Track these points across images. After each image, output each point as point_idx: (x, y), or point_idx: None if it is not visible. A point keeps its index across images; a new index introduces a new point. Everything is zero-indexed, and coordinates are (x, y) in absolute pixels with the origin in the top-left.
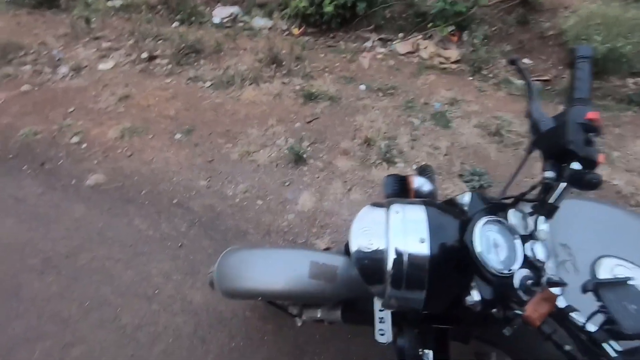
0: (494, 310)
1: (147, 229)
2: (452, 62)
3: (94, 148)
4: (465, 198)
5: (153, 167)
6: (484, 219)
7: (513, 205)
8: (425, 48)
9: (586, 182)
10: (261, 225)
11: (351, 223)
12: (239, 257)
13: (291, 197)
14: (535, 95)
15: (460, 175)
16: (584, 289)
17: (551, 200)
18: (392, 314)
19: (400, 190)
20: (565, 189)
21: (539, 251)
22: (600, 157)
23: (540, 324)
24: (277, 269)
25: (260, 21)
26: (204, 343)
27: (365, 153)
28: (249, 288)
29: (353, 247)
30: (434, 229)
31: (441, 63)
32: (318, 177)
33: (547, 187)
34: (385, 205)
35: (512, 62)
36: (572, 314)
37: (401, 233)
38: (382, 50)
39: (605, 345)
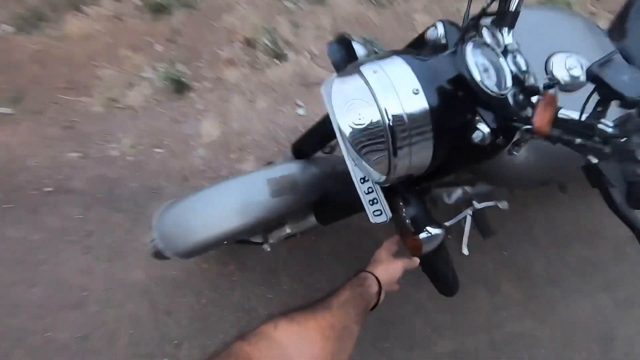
0: (499, 139)
1: (30, 234)
2: None
3: None
4: (439, 29)
5: None
6: (470, 44)
7: (476, 25)
8: None
9: None
10: (172, 175)
11: (324, 104)
12: (181, 209)
13: (191, 131)
14: None
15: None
16: (590, 75)
17: (512, 7)
18: (382, 189)
19: (348, 55)
20: None
21: (522, 63)
22: None
23: (550, 134)
24: (233, 203)
25: None
26: (171, 314)
27: (251, 55)
28: (209, 236)
29: (345, 130)
30: (422, 75)
31: None
32: (212, 99)
33: None
34: (355, 71)
35: None
36: (563, 112)
37: (390, 92)
38: None
39: (599, 125)
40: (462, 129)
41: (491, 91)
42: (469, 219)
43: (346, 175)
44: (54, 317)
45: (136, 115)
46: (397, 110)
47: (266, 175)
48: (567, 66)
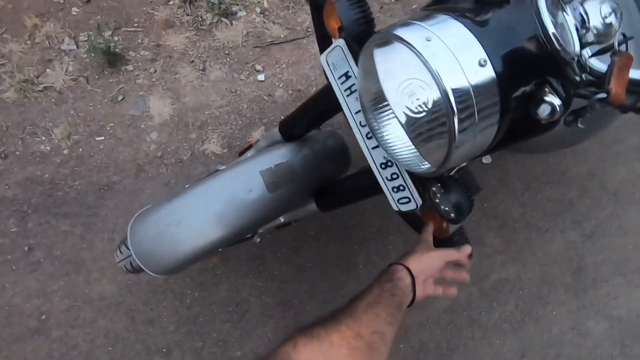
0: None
1: None
2: None
3: None
4: None
5: None
6: None
7: None
8: None
9: None
10: (123, 166)
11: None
12: (160, 218)
13: (137, 112)
14: None
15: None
16: None
17: None
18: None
19: (364, 13)
20: None
21: (583, 12)
22: None
23: (627, 102)
24: (223, 205)
25: None
26: (153, 322)
27: (193, 14)
28: (199, 248)
29: (400, 118)
30: (487, 41)
31: None
32: (155, 71)
33: None
34: (389, 37)
35: None
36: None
37: (454, 67)
38: None
39: None
40: (527, 103)
41: (568, 52)
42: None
43: (343, 152)
44: (10, 350)
45: (63, 99)
46: (464, 90)
47: (258, 166)
48: (603, 14)
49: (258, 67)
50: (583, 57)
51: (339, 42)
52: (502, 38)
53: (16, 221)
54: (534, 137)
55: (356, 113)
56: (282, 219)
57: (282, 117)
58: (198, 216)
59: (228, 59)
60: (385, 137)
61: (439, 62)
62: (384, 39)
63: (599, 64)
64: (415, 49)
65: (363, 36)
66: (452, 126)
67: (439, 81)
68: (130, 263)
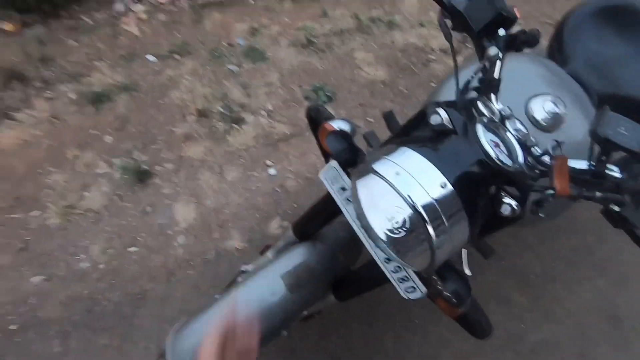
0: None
1: None
2: None
3: None
4: (443, 115)
5: None
6: (480, 125)
7: (471, 100)
8: None
9: (529, 39)
10: (155, 272)
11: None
12: (196, 330)
13: (165, 219)
14: None
15: (307, 98)
16: (597, 138)
17: (496, 75)
18: None
19: (348, 145)
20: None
21: (521, 127)
22: (517, 11)
23: (573, 194)
24: (257, 309)
25: None
26: None
27: (208, 126)
28: None
29: (382, 237)
30: (443, 166)
31: None
32: (178, 181)
33: (492, 64)
34: (372, 172)
35: None
36: (571, 162)
37: (420, 193)
38: (142, 8)
39: (607, 172)
40: (490, 205)
41: (509, 167)
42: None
43: (354, 243)
44: None
45: (100, 217)
46: (430, 205)
47: (278, 270)
48: (546, 109)
49: (269, 162)
50: (527, 160)
51: (332, 164)
52: (455, 162)
53: (59, 341)
54: (507, 227)
55: (356, 219)
56: (305, 312)
57: (294, 221)
58: None
59: (242, 160)
60: (380, 235)
61: (409, 189)
62: (364, 172)
63: (547, 159)
64: (389, 181)
65: (351, 162)
66: (428, 234)
67: (411, 203)
68: None
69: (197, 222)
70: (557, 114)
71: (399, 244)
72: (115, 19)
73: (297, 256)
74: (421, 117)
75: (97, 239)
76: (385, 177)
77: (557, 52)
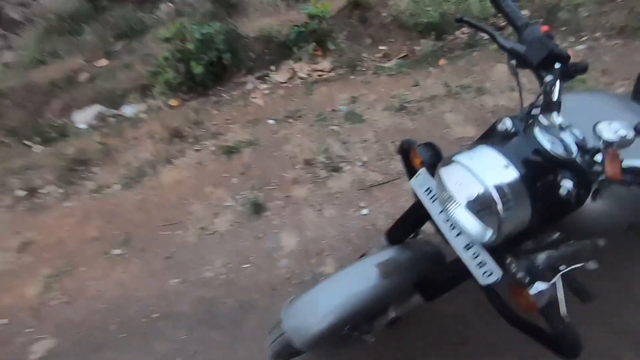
0: (581, 191)
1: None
2: (329, 72)
3: (19, 316)
4: (508, 123)
5: (107, 297)
6: (537, 127)
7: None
8: (300, 70)
9: (579, 69)
10: (262, 286)
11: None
12: (304, 301)
13: (272, 244)
14: (495, 35)
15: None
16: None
17: (555, 98)
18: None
19: (434, 152)
20: (561, 84)
21: (577, 132)
22: (571, 51)
23: (624, 179)
24: (351, 289)
25: (131, 109)
26: None
27: (312, 173)
28: (334, 322)
29: (462, 203)
30: (507, 154)
31: (320, 75)
32: (285, 215)
33: (550, 89)
34: (453, 162)
35: (460, 20)
36: (627, 162)
37: (488, 171)
38: (265, 86)
39: None
40: (551, 188)
41: (560, 156)
42: (560, 284)
43: (438, 254)
44: None
45: (223, 239)
46: (497, 182)
47: (373, 261)
48: (613, 129)
49: (362, 204)
50: (584, 156)
51: (421, 171)
52: (517, 152)
53: (186, 331)
54: (570, 213)
55: (440, 213)
56: (392, 314)
57: (387, 229)
58: (331, 298)
59: (339, 200)
60: (459, 222)
61: (478, 168)
62: (447, 162)
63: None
64: (465, 165)
65: (435, 164)
66: (496, 207)
67: (482, 181)
68: (278, 344)
69: (298, 248)
70: (624, 137)
71: (475, 206)
72: (246, 94)
73: (390, 252)
74: (491, 129)
75: (220, 255)
76: (463, 162)
77: (638, 91)
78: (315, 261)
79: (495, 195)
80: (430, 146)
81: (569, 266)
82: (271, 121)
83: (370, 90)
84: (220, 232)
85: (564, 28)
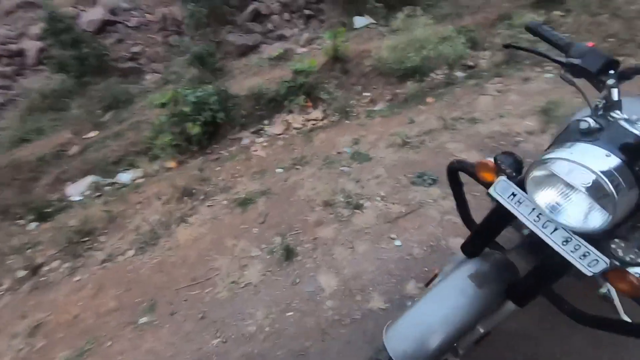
0: None
1: None
2: (322, 120)
3: None
4: (591, 122)
5: None
6: (622, 121)
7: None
8: (294, 121)
9: (636, 71)
10: (311, 332)
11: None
12: (406, 324)
13: (311, 288)
14: (547, 53)
15: (413, 183)
16: None
17: (616, 98)
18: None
19: (516, 160)
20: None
21: None
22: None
23: None
24: (450, 306)
25: (127, 175)
26: None
27: (334, 213)
28: (441, 342)
29: (581, 189)
30: (603, 145)
31: (314, 124)
32: (317, 257)
33: (611, 91)
34: (551, 159)
35: (508, 46)
36: None
37: (593, 160)
38: (262, 139)
39: None
40: None
41: None
42: None
43: (511, 263)
44: None
45: (258, 290)
46: (603, 168)
47: (463, 274)
48: None
49: (393, 235)
50: None
51: (500, 179)
52: (612, 142)
53: None
54: None
55: (529, 214)
56: (480, 330)
57: (462, 243)
58: (438, 316)
59: (368, 235)
60: (562, 214)
61: (587, 162)
62: (541, 163)
63: None
64: (570, 160)
65: (518, 170)
66: (610, 190)
67: (591, 170)
68: None
69: (339, 288)
70: None
71: (591, 192)
72: (245, 149)
73: (474, 264)
74: (565, 132)
75: (259, 306)
76: (567, 158)
77: None
78: (360, 298)
79: (606, 180)
80: (509, 154)
81: None
82: (279, 170)
83: (369, 131)
84: (253, 283)
85: (528, 62)
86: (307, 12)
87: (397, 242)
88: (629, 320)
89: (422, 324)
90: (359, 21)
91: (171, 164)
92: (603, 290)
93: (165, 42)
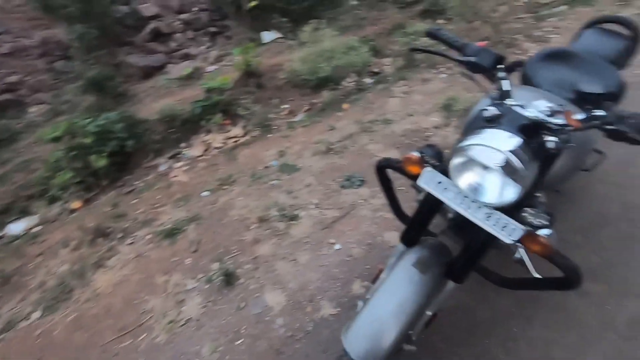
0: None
1: None
2: (243, 136)
3: None
4: (492, 110)
5: None
6: (517, 107)
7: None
8: (214, 140)
9: (516, 64)
10: (265, 355)
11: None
12: (360, 324)
13: (259, 309)
14: (448, 54)
15: (342, 187)
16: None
17: (507, 88)
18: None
19: (438, 151)
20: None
21: (543, 104)
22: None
23: (582, 126)
24: (401, 296)
25: (20, 225)
26: None
27: (270, 228)
28: (398, 332)
29: (494, 167)
30: (506, 128)
31: (235, 142)
32: (260, 276)
33: (502, 82)
34: (467, 148)
35: (414, 50)
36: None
37: (500, 142)
38: (181, 163)
39: (596, 114)
40: (541, 146)
41: (542, 119)
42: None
43: (445, 245)
44: None
45: (201, 323)
46: (510, 147)
47: (407, 264)
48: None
49: (332, 240)
50: (552, 116)
51: (426, 169)
52: (512, 125)
53: None
54: (555, 161)
55: (455, 199)
56: (428, 312)
57: (400, 234)
58: (391, 309)
59: (308, 245)
60: (479, 197)
61: (495, 144)
62: (460, 150)
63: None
64: (482, 144)
65: (440, 159)
66: (517, 165)
67: (500, 150)
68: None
69: (288, 303)
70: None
71: (500, 169)
72: (163, 176)
73: (415, 252)
74: (473, 121)
75: (204, 341)
76: (479, 142)
77: (527, 83)
78: (310, 309)
79: (514, 157)
80: (431, 146)
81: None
82: (205, 193)
83: (293, 142)
84: (193, 318)
85: (424, 64)
86: (212, 29)
87: (337, 246)
88: (540, 277)
89: (377, 320)
90: (267, 36)
91: (76, 204)
92: (517, 255)
93: (50, 68)
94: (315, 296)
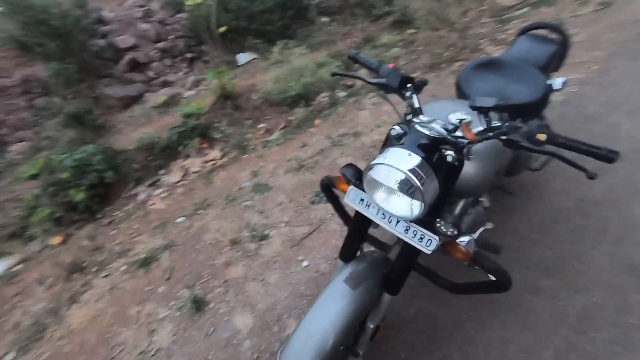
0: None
1: None
2: (220, 158)
3: None
4: (398, 129)
5: None
6: (417, 125)
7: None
8: (192, 165)
9: (423, 83)
10: None
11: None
12: (296, 339)
13: (227, 333)
14: (363, 77)
15: (312, 202)
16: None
17: (417, 105)
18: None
19: (357, 170)
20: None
21: (440, 123)
22: (415, 77)
23: (478, 138)
24: (333, 312)
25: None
26: None
27: (241, 250)
28: (331, 346)
29: (394, 188)
30: (407, 147)
31: (213, 165)
32: (229, 299)
33: (412, 101)
34: (374, 166)
35: (335, 74)
36: (474, 129)
37: (400, 161)
38: (160, 190)
39: (493, 125)
40: (442, 160)
41: (439, 136)
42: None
43: (385, 257)
44: None
45: (170, 353)
46: (408, 166)
47: (339, 280)
48: (459, 115)
49: (300, 257)
50: (451, 131)
51: (350, 188)
52: (412, 144)
53: None
54: (459, 173)
55: (376, 214)
56: (370, 325)
57: (339, 252)
58: (321, 324)
59: (277, 264)
60: (392, 212)
61: (395, 163)
62: (370, 167)
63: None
64: (383, 163)
65: (360, 178)
66: (416, 183)
67: (399, 169)
68: None
69: (256, 324)
70: (464, 119)
71: (402, 187)
72: (142, 204)
73: (349, 268)
74: (387, 139)
75: None
76: (381, 162)
77: (461, 94)
78: (277, 328)
79: (411, 175)
80: (350, 166)
81: (476, 232)
82: (180, 219)
83: (267, 162)
84: (163, 347)
85: None
86: (189, 55)
87: (305, 263)
88: (494, 278)
89: (311, 337)
90: (243, 58)
91: (56, 239)
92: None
93: (31, 106)
94: (282, 315)
